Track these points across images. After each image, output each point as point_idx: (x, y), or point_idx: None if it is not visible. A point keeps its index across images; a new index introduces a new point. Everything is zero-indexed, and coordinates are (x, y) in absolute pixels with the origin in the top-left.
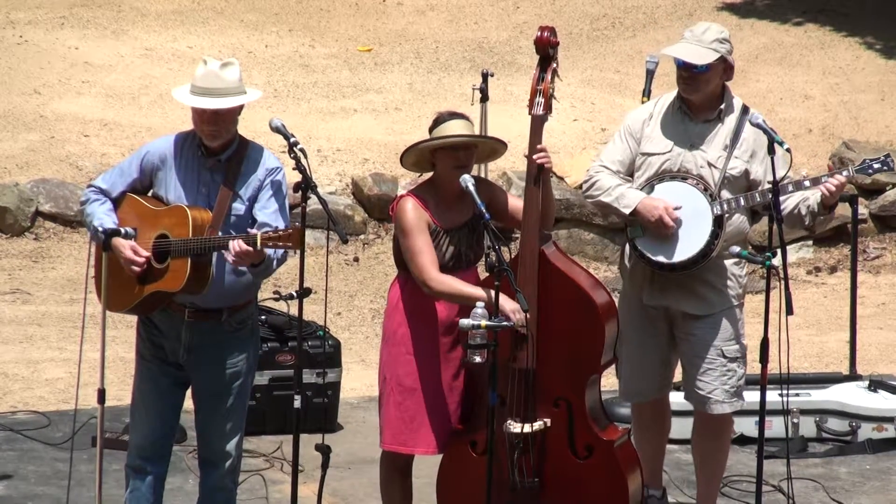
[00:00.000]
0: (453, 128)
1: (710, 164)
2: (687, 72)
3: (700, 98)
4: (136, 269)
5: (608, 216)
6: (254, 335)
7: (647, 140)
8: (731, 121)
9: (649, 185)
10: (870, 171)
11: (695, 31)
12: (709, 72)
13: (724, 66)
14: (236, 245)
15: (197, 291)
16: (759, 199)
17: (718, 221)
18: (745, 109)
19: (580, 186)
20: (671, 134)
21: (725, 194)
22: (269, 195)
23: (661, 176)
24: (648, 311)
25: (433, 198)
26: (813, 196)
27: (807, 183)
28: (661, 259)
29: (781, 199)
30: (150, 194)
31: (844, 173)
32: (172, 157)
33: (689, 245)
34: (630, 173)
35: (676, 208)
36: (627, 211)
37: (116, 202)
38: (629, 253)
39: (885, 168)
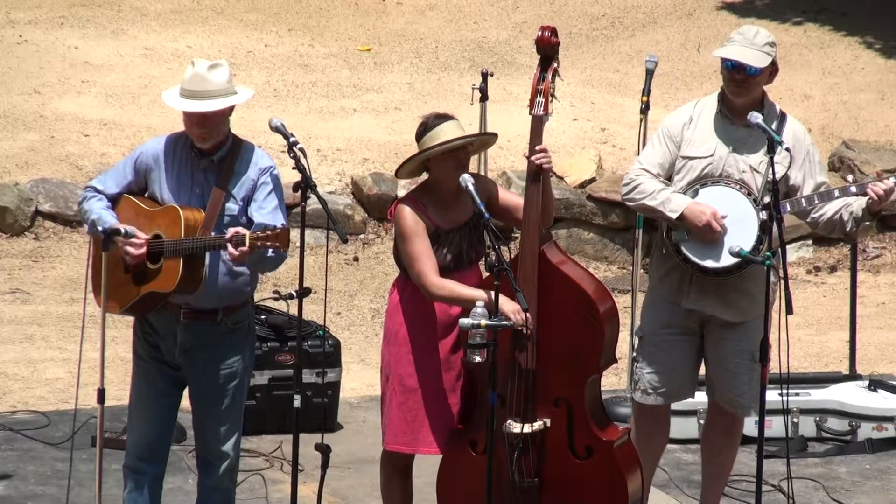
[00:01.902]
0: (446, 131)
1: (752, 169)
2: (740, 74)
3: (745, 101)
4: (135, 251)
5: (608, 216)
6: (250, 335)
7: (687, 144)
8: (771, 126)
9: (693, 190)
10: None
11: (745, 34)
12: (759, 75)
13: (770, 71)
14: (231, 249)
15: (190, 291)
16: (804, 205)
17: (763, 227)
18: (782, 116)
19: (580, 186)
20: (713, 138)
21: (767, 199)
22: (264, 195)
23: (704, 180)
24: (683, 314)
25: (431, 200)
26: (856, 202)
27: (853, 188)
28: (708, 264)
29: (821, 203)
30: (146, 195)
31: (892, 179)
32: (166, 157)
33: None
34: (668, 177)
35: (723, 215)
36: (674, 216)
37: (113, 203)
38: (660, 255)
39: None
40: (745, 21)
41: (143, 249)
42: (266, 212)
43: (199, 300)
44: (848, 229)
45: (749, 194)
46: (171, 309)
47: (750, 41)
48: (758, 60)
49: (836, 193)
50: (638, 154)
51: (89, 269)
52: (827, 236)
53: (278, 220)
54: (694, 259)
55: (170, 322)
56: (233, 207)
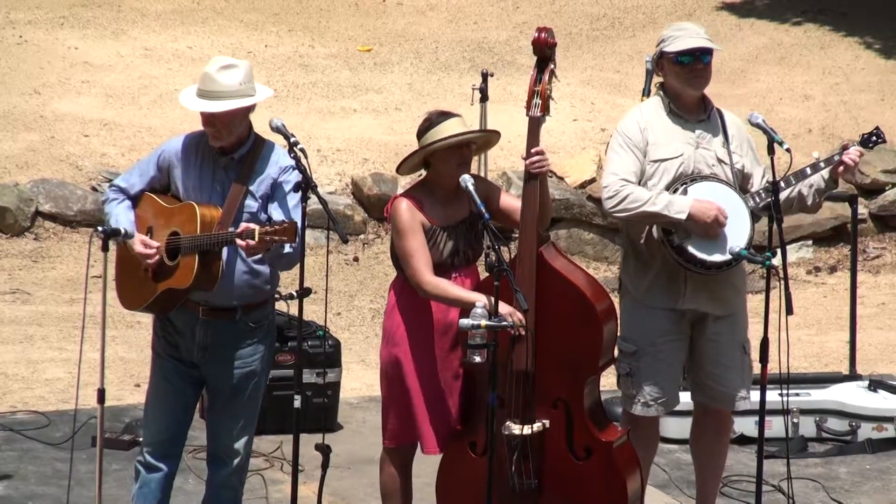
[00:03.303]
0: (449, 127)
1: (720, 161)
2: (700, 63)
3: (698, 95)
4: (150, 261)
5: (608, 216)
6: (269, 335)
7: (654, 147)
8: (715, 118)
9: (683, 189)
10: (870, 144)
11: (686, 28)
12: (710, 62)
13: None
14: (240, 242)
15: (207, 288)
16: (783, 186)
17: (752, 215)
18: (718, 109)
19: (580, 186)
20: (674, 138)
21: (753, 190)
22: (283, 194)
23: (682, 179)
24: (677, 317)
25: (428, 197)
26: (814, 176)
27: (822, 164)
28: (716, 258)
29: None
30: (169, 192)
31: (854, 147)
32: (188, 155)
33: (736, 241)
34: (639, 184)
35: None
36: (682, 216)
37: (136, 200)
38: (638, 264)
39: (880, 140)
40: (746, 21)
41: (156, 258)
42: (284, 210)
43: (217, 297)
44: (810, 203)
45: (730, 185)
46: (190, 306)
47: (697, 32)
48: (714, 44)
49: (808, 171)
50: None
51: (89, 268)
52: (785, 214)
53: (295, 217)
54: (702, 257)
55: (189, 319)
56: (252, 205)
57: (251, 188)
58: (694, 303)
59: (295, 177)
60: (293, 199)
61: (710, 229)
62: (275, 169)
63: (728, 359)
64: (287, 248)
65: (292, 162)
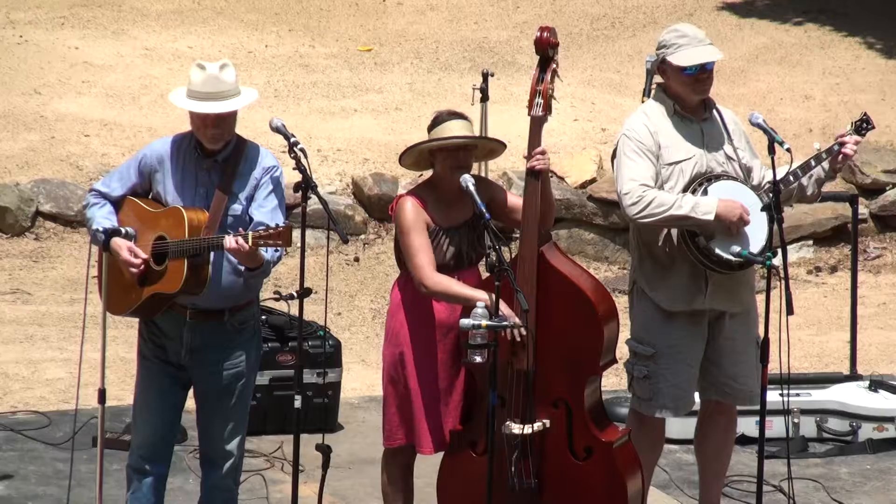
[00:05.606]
0: (453, 128)
1: (729, 158)
2: (705, 73)
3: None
4: (135, 270)
5: (609, 216)
6: (256, 335)
7: (667, 150)
8: (716, 115)
9: (703, 189)
10: (862, 131)
11: (688, 33)
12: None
13: None
14: (231, 241)
15: (195, 292)
16: (791, 180)
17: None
18: (713, 103)
19: (581, 186)
20: (685, 139)
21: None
22: (265, 194)
23: (699, 179)
24: (698, 318)
25: (432, 197)
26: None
27: (824, 154)
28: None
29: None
30: (150, 197)
31: (855, 136)
32: (170, 159)
33: (756, 238)
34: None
35: None
36: (710, 217)
37: (117, 205)
38: (654, 265)
39: (870, 126)
40: (746, 21)
41: (142, 268)
42: (265, 210)
43: (205, 300)
44: (809, 193)
45: (744, 183)
46: (177, 310)
47: (701, 39)
48: (719, 51)
49: (813, 163)
50: None
51: (90, 269)
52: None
53: (277, 219)
54: (727, 257)
55: (176, 323)
56: (236, 207)
57: (236, 191)
58: (713, 302)
59: (278, 176)
60: (273, 201)
61: (734, 227)
62: (258, 170)
63: (745, 356)
64: (267, 256)
65: (275, 162)
